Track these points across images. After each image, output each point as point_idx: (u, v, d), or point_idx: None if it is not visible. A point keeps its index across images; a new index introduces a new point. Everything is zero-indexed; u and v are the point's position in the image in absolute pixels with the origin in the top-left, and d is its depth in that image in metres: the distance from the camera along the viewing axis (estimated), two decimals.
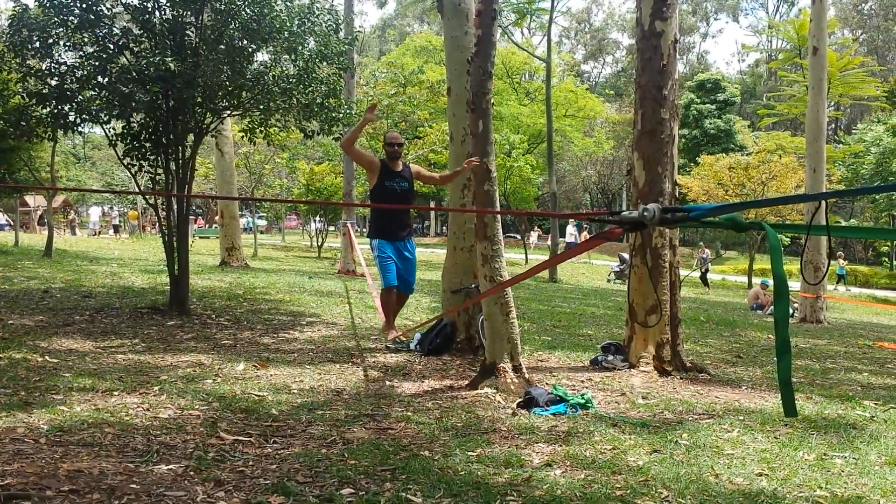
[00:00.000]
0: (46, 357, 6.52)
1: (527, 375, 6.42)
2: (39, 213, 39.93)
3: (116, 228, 41.33)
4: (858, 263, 42.83)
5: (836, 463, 4.49)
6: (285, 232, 50.29)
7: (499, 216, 6.65)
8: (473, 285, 7.71)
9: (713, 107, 49.70)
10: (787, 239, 31.75)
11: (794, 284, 18.13)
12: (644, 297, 7.67)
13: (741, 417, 5.66)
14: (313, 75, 9.87)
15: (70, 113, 9.22)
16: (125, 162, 9.64)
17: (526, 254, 35.15)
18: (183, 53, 9.15)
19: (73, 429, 4.42)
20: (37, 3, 8.90)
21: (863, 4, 64.13)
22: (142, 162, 9.55)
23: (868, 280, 35.34)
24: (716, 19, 78.93)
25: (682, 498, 3.78)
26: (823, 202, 10.73)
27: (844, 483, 4.12)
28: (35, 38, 8.85)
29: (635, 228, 3.01)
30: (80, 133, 9.98)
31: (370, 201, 7.49)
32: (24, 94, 9.28)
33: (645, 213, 2.78)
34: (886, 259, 37.54)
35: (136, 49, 9.17)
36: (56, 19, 8.77)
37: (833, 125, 51.55)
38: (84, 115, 9.27)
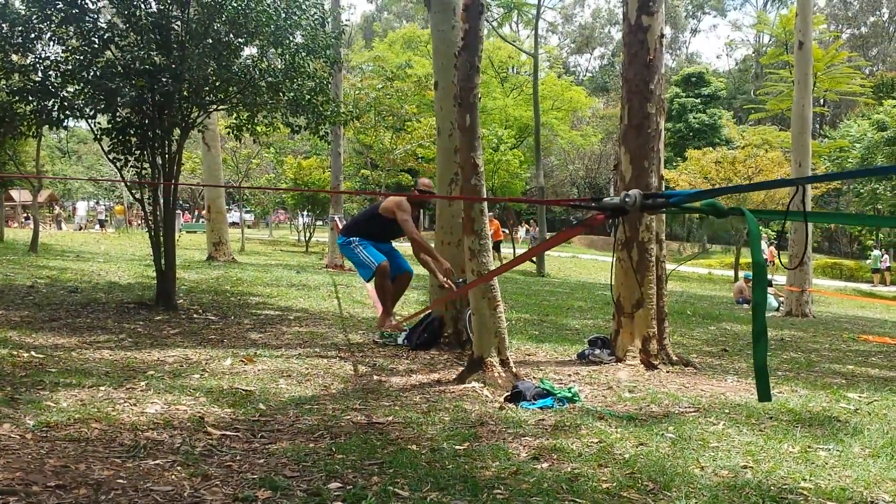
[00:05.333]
0: (32, 352, 6.49)
1: (514, 369, 6.45)
2: (24, 215, 39.65)
3: (102, 223, 41.07)
4: (843, 257, 43.11)
5: (821, 455, 4.53)
6: (273, 226, 50.15)
7: (486, 212, 6.65)
8: (461, 280, 7.72)
9: (697, 101, 49.81)
10: (773, 233, 31.91)
11: (781, 278, 18.24)
12: (630, 291, 7.71)
13: (727, 410, 5.69)
14: (301, 70, 9.84)
15: (54, 109, 9.15)
16: (111, 157, 9.59)
17: (514, 248, 35.17)
18: (169, 47, 9.11)
19: (60, 424, 4.40)
20: None
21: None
22: (128, 156, 9.50)
23: (853, 274, 35.57)
24: (696, 19, 79.09)
25: (667, 490, 3.81)
26: (803, 189, 10.81)
27: (828, 475, 4.15)
28: (17, 33, 8.77)
29: (617, 214, 3.04)
30: (65, 128, 9.92)
31: (374, 216, 7.25)
32: (7, 91, 9.20)
33: (626, 199, 2.81)
34: (871, 253, 37.81)
35: (121, 43, 9.11)
36: (39, 13, 8.70)
37: (819, 120, 51.79)
38: (68, 111, 9.21)
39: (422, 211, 7.43)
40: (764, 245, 32.40)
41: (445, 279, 7.11)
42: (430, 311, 8.08)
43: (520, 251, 34.12)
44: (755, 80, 62.75)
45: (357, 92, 26.66)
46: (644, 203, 2.83)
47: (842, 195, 43.59)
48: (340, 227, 16.65)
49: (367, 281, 7.66)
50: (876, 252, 32.73)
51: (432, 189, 7.46)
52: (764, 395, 2.63)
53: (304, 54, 9.89)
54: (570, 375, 7.01)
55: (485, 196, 6.61)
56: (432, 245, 7.94)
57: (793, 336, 11.67)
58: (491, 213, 28.98)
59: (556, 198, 54.55)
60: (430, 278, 8.69)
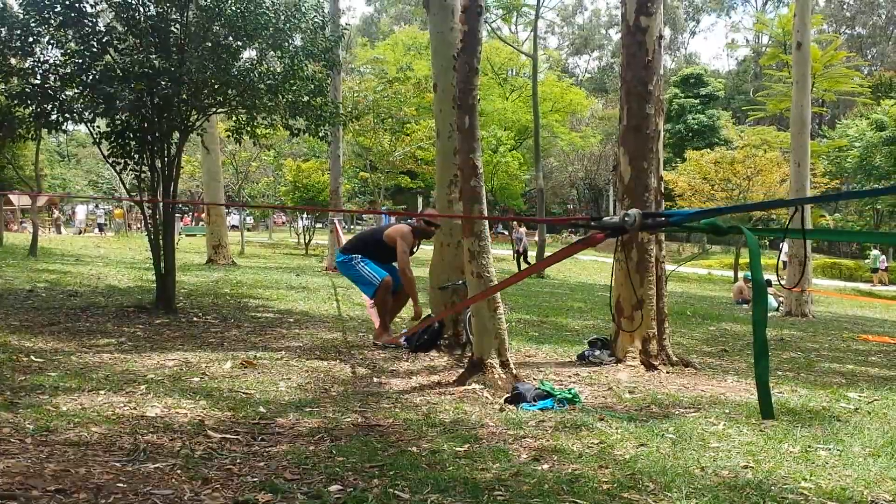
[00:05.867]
0: (32, 356, 6.48)
1: (514, 371, 6.44)
2: (21, 220, 39.58)
3: (101, 227, 41.02)
4: (843, 257, 43.10)
5: (821, 455, 4.53)
6: (272, 229, 50.17)
7: (485, 212, 6.66)
8: (460, 281, 7.73)
9: (696, 101, 49.87)
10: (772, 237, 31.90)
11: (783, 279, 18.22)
12: (630, 292, 7.70)
13: (727, 410, 5.69)
14: (300, 73, 9.84)
15: (53, 112, 9.15)
16: (110, 160, 9.59)
17: (514, 249, 35.13)
18: (168, 51, 9.10)
19: (60, 428, 4.39)
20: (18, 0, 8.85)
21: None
22: (127, 160, 9.50)
23: (853, 274, 35.57)
24: (696, 21, 79.09)
25: (668, 491, 3.81)
26: (801, 207, 10.86)
27: (829, 475, 4.15)
28: (16, 37, 8.77)
29: (616, 233, 3.03)
30: (65, 131, 9.92)
31: (377, 241, 7.73)
32: (6, 94, 9.20)
33: (626, 219, 2.80)
34: (870, 253, 37.83)
35: (120, 47, 9.11)
36: (37, 17, 8.69)
37: (817, 120, 51.81)
38: (67, 114, 9.21)
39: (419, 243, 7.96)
40: (786, 247, 31.98)
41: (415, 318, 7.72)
42: (429, 313, 8.09)
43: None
44: (754, 79, 62.81)
45: (355, 95, 26.69)
46: (644, 222, 2.82)
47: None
48: (339, 229, 16.63)
49: (372, 297, 7.84)
50: (875, 252, 32.75)
51: (437, 222, 7.74)
52: (767, 412, 2.62)
53: (302, 57, 9.89)
54: (570, 377, 7.00)
55: (483, 197, 6.60)
56: (430, 248, 8.01)
57: (792, 336, 11.67)
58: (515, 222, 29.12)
59: (556, 198, 54.57)
60: (429, 280, 8.71)
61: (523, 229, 28.29)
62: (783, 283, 15.95)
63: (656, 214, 2.98)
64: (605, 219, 2.95)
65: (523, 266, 25.81)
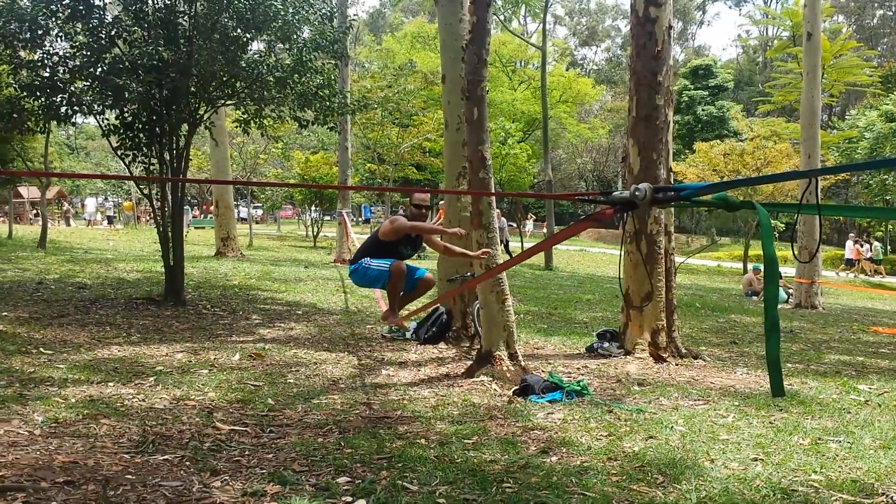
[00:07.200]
0: (41, 349, 6.51)
1: (522, 363, 6.43)
2: (34, 212, 39.70)
3: (110, 219, 41.11)
4: None
5: (831, 447, 4.51)
6: (281, 221, 50.18)
7: (494, 205, 6.64)
8: (469, 273, 7.71)
9: (706, 93, 49.62)
10: (783, 225, 31.73)
11: (790, 270, 18.16)
12: (639, 284, 7.67)
13: (736, 403, 5.67)
14: (308, 64, 9.82)
15: (62, 105, 9.16)
16: (119, 153, 9.60)
17: (522, 242, 35.08)
18: (176, 43, 9.09)
19: (69, 420, 4.41)
20: None
21: None
22: (136, 152, 9.51)
23: (863, 265, 35.33)
24: (704, 12, 78.52)
25: (677, 483, 3.79)
26: (814, 181, 10.59)
27: (839, 467, 4.13)
28: (25, 30, 8.77)
29: (626, 208, 3.00)
30: (74, 124, 9.92)
31: (375, 242, 7.59)
32: (16, 86, 9.22)
33: (636, 193, 2.77)
34: (873, 244, 37.59)
35: (128, 39, 9.11)
36: (45, 10, 8.70)
37: (827, 111, 51.50)
38: (76, 107, 9.22)
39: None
40: (850, 244, 31.72)
41: (480, 252, 7.20)
42: (437, 305, 8.07)
43: (529, 244, 34.06)
44: (763, 70, 62.47)
45: (365, 92, 26.64)
46: (654, 196, 2.79)
47: (850, 186, 43.40)
48: (348, 221, 16.62)
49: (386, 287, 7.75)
50: (877, 244, 32.57)
51: (426, 202, 7.59)
52: (777, 389, 2.61)
53: (311, 49, 9.87)
54: (578, 369, 6.99)
55: (492, 188, 6.59)
56: (439, 239, 7.93)
57: (802, 328, 11.62)
58: (497, 210, 29.09)
59: (564, 190, 54.44)
60: (437, 272, 8.68)
61: (504, 220, 28.22)
62: (797, 258, 15.65)
63: (667, 188, 2.94)
64: (615, 193, 2.92)
65: (506, 256, 25.69)
